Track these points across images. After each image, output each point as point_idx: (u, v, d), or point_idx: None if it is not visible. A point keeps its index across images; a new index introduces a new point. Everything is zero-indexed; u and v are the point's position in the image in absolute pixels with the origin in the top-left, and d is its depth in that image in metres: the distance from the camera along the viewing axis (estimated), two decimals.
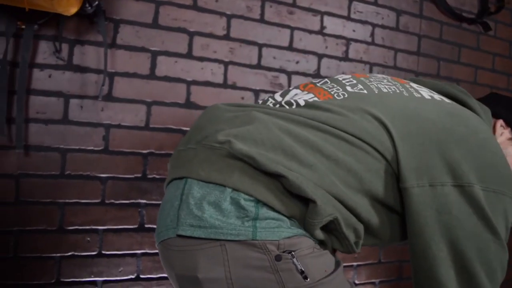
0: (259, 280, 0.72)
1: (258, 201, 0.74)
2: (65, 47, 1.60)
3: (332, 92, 0.91)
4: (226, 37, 1.84)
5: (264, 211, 0.74)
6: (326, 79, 0.99)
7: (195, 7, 1.79)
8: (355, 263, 2.08)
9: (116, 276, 1.68)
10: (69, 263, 1.61)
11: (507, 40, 2.70)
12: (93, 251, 1.65)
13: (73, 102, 1.61)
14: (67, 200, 1.61)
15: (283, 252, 0.73)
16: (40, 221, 1.58)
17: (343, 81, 0.95)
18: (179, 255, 0.78)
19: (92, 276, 1.64)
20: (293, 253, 0.73)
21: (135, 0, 1.69)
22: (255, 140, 0.77)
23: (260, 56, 1.89)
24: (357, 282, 2.12)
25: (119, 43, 1.68)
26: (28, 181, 1.56)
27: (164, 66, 1.74)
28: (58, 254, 1.60)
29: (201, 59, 1.80)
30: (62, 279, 1.60)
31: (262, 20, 1.90)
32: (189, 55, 1.78)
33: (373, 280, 2.11)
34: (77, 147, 1.62)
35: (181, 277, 0.79)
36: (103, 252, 1.66)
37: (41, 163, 1.57)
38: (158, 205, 1.73)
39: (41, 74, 1.57)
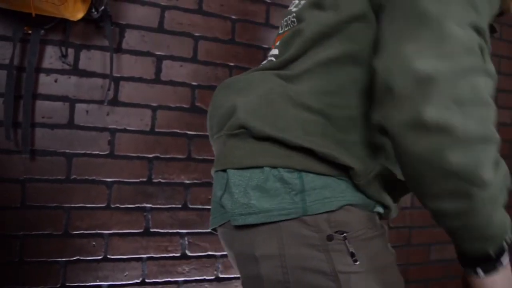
0: (310, 258, 0.71)
1: (300, 171, 0.73)
2: (71, 52, 1.60)
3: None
4: (231, 41, 1.85)
5: (310, 180, 0.72)
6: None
7: (200, 11, 1.80)
8: None
9: (122, 280, 1.68)
10: (75, 268, 1.61)
11: (509, 42, 2.70)
12: (99, 256, 1.65)
13: (79, 106, 1.62)
14: (72, 205, 1.61)
15: (335, 232, 0.71)
16: (46, 225, 1.58)
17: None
18: (235, 238, 0.79)
19: (98, 280, 1.64)
20: (345, 234, 0.71)
21: (141, 5, 1.70)
22: (266, 116, 0.76)
23: (265, 59, 1.89)
24: None
25: (125, 47, 1.68)
26: (34, 186, 1.56)
27: (170, 70, 1.75)
28: (64, 259, 1.60)
29: (206, 63, 1.80)
30: (67, 284, 1.60)
31: (267, 24, 1.91)
32: (194, 59, 1.78)
33: None
34: (83, 152, 1.62)
35: (240, 255, 0.80)
36: (109, 256, 1.66)
37: (47, 167, 1.58)
38: (163, 209, 1.73)
39: (47, 79, 1.58)
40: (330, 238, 0.71)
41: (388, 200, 0.80)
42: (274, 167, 0.73)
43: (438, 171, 0.61)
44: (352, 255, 0.71)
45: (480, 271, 0.71)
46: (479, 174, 0.60)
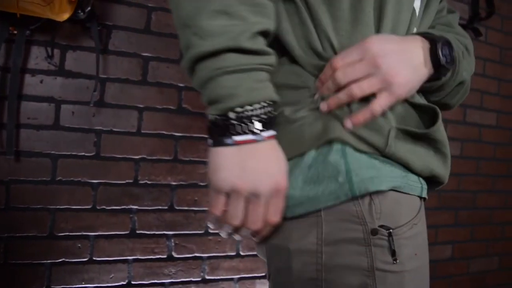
0: (349, 253, 0.68)
1: (343, 144, 0.69)
2: (57, 52, 1.59)
3: None
4: None
5: (352, 154, 0.68)
6: None
7: None
8: None
9: (107, 282, 1.67)
10: (60, 270, 1.60)
11: (498, 46, 2.73)
12: (84, 258, 1.64)
13: (65, 107, 1.61)
14: (58, 206, 1.60)
15: (381, 226, 0.68)
16: (31, 227, 1.57)
17: None
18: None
19: (83, 282, 1.63)
20: (391, 231, 0.68)
21: (127, 6, 1.70)
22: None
23: None
24: None
25: (111, 48, 1.68)
26: (18, 187, 1.55)
27: (156, 71, 1.74)
28: (49, 261, 1.59)
29: None
30: (52, 286, 1.59)
31: None
32: (181, 61, 1.78)
33: None
34: (69, 153, 1.61)
35: (271, 246, 0.76)
36: (94, 258, 1.65)
37: (32, 169, 1.56)
38: (150, 210, 1.73)
39: (33, 80, 1.57)
40: (374, 232, 0.67)
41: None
42: (315, 149, 0.70)
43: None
44: (394, 253, 0.68)
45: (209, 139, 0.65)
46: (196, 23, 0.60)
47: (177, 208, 1.78)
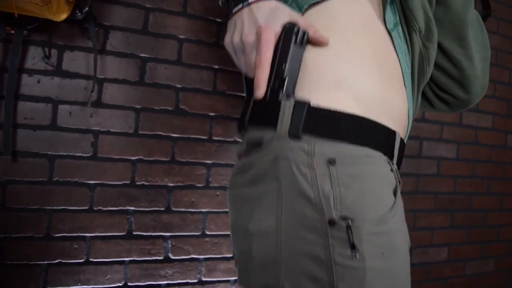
0: (306, 240, 0.66)
1: None
2: (54, 52, 1.59)
3: None
4: (216, 44, 1.85)
5: None
6: None
7: (185, 14, 1.79)
8: None
9: (104, 284, 1.66)
10: (56, 271, 1.59)
11: (494, 48, 2.74)
12: (81, 259, 1.63)
13: (62, 108, 1.60)
14: (54, 207, 1.59)
15: (340, 217, 0.65)
16: (27, 228, 1.56)
17: None
18: (232, 207, 0.80)
19: (79, 284, 1.62)
20: (350, 223, 0.65)
21: (125, 7, 1.69)
22: None
23: None
24: None
25: (109, 49, 1.67)
26: (15, 188, 1.54)
27: (154, 72, 1.74)
28: (45, 262, 1.58)
29: (190, 65, 1.80)
30: (48, 287, 1.58)
31: None
32: (178, 62, 1.78)
33: None
34: (66, 154, 1.60)
35: (234, 227, 0.78)
36: (91, 259, 1.65)
37: (28, 169, 1.56)
38: (147, 212, 1.72)
39: (30, 80, 1.56)
40: (331, 222, 0.65)
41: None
42: None
43: None
44: (353, 246, 0.65)
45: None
46: None
47: (174, 209, 1.78)
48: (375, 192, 0.69)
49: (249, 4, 0.74)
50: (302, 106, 0.70)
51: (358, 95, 0.73)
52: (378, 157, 0.72)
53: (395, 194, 0.72)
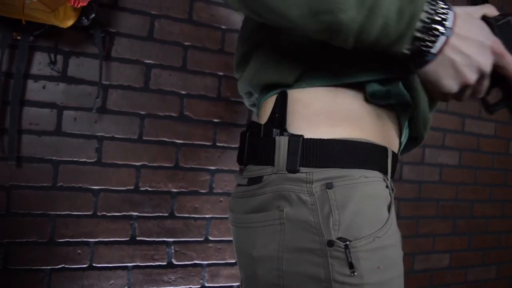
0: (307, 262, 0.70)
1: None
2: (60, 58, 1.60)
3: None
4: (221, 51, 1.86)
5: None
6: None
7: (190, 21, 1.80)
8: None
9: None
10: (60, 276, 1.60)
11: None
12: (84, 264, 1.64)
13: (67, 113, 1.61)
14: (58, 212, 1.60)
15: (338, 238, 0.69)
16: (31, 233, 1.56)
17: None
18: (238, 234, 0.84)
19: None
20: (348, 243, 0.68)
21: (131, 13, 1.70)
22: None
23: None
24: None
25: (114, 55, 1.68)
26: (19, 193, 1.55)
27: (159, 79, 1.75)
28: (49, 267, 1.58)
29: (195, 72, 1.81)
30: None
31: None
32: (183, 68, 1.79)
33: None
34: (70, 159, 1.61)
35: (240, 252, 0.83)
36: (94, 264, 1.65)
37: (33, 174, 1.56)
38: (150, 217, 1.73)
39: (35, 85, 1.57)
40: (330, 244, 0.69)
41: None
42: None
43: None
44: (351, 265, 0.68)
45: (412, 66, 0.67)
46: None
47: (177, 215, 1.78)
48: (370, 210, 0.73)
49: (451, 30, 0.62)
50: (296, 141, 0.73)
51: (351, 120, 0.77)
52: (373, 176, 0.75)
53: (389, 209, 0.76)
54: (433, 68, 0.65)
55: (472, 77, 0.64)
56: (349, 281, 0.68)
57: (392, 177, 0.84)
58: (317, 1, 0.62)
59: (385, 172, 0.79)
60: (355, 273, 0.68)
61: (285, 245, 0.71)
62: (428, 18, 0.61)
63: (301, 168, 0.72)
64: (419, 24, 0.61)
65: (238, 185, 0.85)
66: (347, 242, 0.68)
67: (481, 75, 0.65)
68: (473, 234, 2.71)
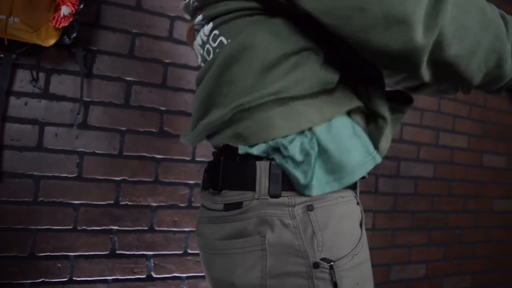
0: (292, 286, 0.72)
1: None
2: (42, 75, 1.63)
3: None
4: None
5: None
6: None
7: (170, 39, 1.85)
8: None
9: None
10: None
11: None
12: (64, 278, 1.66)
13: (48, 129, 1.64)
14: (39, 227, 1.62)
15: (322, 259, 0.72)
16: (12, 247, 1.59)
17: None
18: (214, 262, 0.82)
19: None
20: (332, 263, 0.72)
21: (112, 32, 1.75)
22: None
23: None
24: None
25: (96, 72, 1.72)
26: (1, 208, 1.57)
27: (139, 95, 1.79)
28: (29, 281, 1.60)
29: (175, 89, 1.86)
30: None
31: None
32: (163, 85, 1.84)
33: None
34: (51, 174, 1.64)
35: (217, 281, 0.81)
36: (74, 278, 1.68)
37: (14, 190, 1.59)
38: (130, 231, 1.76)
39: (18, 102, 1.60)
40: (316, 265, 0.71)
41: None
42: None
43: None
44: (335, 285, 0.71)
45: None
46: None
47: (157, 229, 1.82)
48: (347, 230, 0.77)
49: None
50: (278, 167, 0.75)
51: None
52: (348, 195, 0.79)
53: (361, 226, 0.80)
54: None
55: None
56: None
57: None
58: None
59: (354, 189, 0.83)
60: None
61: (268, 271, 0.72)
62: None
63: (282, 192, 0.74)
64: None
65: (207, 208, 0.84)
66: (332, 263, 0.72)
67: None
68: (448, 244, 2.79)
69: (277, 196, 0.74)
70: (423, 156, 2.65)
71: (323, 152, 0.74)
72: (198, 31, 0.88)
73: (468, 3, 0.70)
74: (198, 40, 0.88)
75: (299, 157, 0.72)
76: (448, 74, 0.75)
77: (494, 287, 3.04)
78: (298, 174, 0.72)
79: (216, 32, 0.81)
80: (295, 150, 0.72)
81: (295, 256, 0.72)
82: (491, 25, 0.71)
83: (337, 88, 0.78)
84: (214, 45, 0.82)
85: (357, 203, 0.82)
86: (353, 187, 0.82)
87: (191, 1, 0.87)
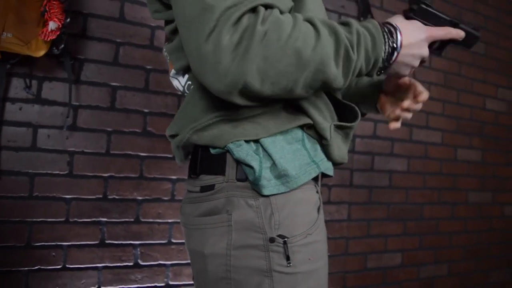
0: (251, 256, 0.82)
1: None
2: (34, 83, 1.79)
3: None
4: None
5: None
6: None
7: (151, 47, 2.02)
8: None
9: (79, 287, 1.86)
10: (36, 276, 1.78)
11: (442, 71, 3.00)
12: (58, 265, 1.82)
13: (41, 131, 1.81)
14: (34, 219, 1.78)
15: (278, 236, 0.82)
16: (10, 238, 1.74)
17: None
18: (190, 236, 0.95)
19: (57, 287, 1.82)
20: (286, 239, 0.82)
21: (98, 41, 1.91)
22: None
23: None
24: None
25: (83, 79, 1.89)
26: None
27: (124, 99, 1.96)
28: (26, 268, 1.76)
29: (156, 92, 2.03)
30: None
31: None
32: (146, 89, 2.00)
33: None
34: (45, 172, 1.81)
35: (192, 251, 0.93)
36: (67, 265, 1.83)
37: (11, 186, 1.75)
38: (118, 223, 1.93)
39: (13, 107, 1.76)
40: (272, 240, 0.82)
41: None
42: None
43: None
44: (288, 258, 0.82)
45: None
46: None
47: (142, 220, 1.98)
48: (303, 212, 0.88)
49: (400, 47, 0.87)
50: None
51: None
52: (307, 185, 0.90)
53: (318, 211, 0.93)
54: (392, 68, 0.92)
55: (416, 63, 0.93)
56: (286, 271, 0.83)
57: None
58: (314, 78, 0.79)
59: (316, 180, 0.95)
60: (291, 264, 0.82)
61: (232, 243, 0.83)
62: (385, 53, 0.86)
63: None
64: (381, 61, 0.86)
65: (189, 191, 0.96)
66: (285, 239, 0.82)
67: (423, 59, 0.94)
68: (424, 234, 2.92)
69: (243, 180, 0.85)
70: (397, 151, 2.79)
71: (269, 159, 0.85)
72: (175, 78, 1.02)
73: (279, 54, 0.72)
74: (175, 83, 1.02)
75: (246, 160, 0.84)
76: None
77: (471, 275, 3.17)
78: (248, 171, 0.86)
79: (189, 83, 0.95)
80: (240, 154, 0.84)
81: (255, 231, 0.83)
82: (309, 63, 0.74)
83: (282, 108, 0.88)
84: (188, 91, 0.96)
85: (317, 192, 0.93)
86: (316, 178, 0.93)
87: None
